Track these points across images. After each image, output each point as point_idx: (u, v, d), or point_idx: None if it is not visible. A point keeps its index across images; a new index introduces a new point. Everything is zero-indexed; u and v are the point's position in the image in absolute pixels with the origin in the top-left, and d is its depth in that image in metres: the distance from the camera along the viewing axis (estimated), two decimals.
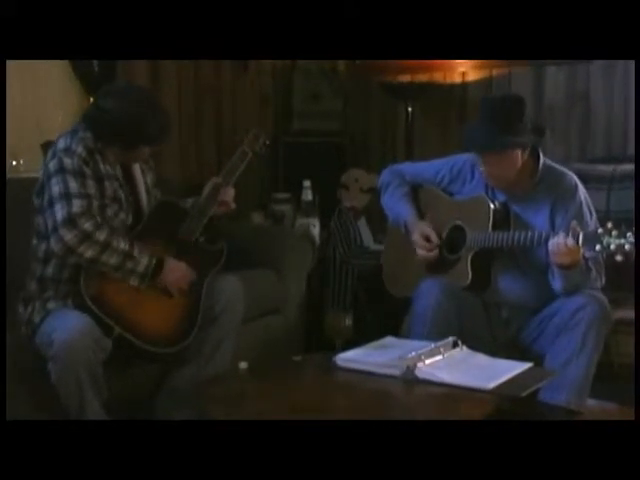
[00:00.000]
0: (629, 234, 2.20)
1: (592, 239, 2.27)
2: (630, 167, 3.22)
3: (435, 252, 2.75)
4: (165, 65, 3.74)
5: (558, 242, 2.38)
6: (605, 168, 3.34)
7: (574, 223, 2.37)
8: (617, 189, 3.24)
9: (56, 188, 2.35)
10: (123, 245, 2.38)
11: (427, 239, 2.76)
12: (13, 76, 2.86)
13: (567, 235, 2.35)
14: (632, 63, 3.49)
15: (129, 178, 2.58)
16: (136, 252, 2.40)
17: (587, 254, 2.43)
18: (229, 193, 2.66)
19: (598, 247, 2.25)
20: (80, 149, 2.41)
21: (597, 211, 2.72)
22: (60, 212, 2.32)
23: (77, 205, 2.33)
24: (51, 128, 3.36)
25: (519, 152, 2.58)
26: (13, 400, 2.07)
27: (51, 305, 2.42)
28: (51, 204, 2.35)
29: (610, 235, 2.23)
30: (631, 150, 3.50)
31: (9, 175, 3.03)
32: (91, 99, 3.49)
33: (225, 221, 2.81)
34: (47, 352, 2.29)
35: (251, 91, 4.26)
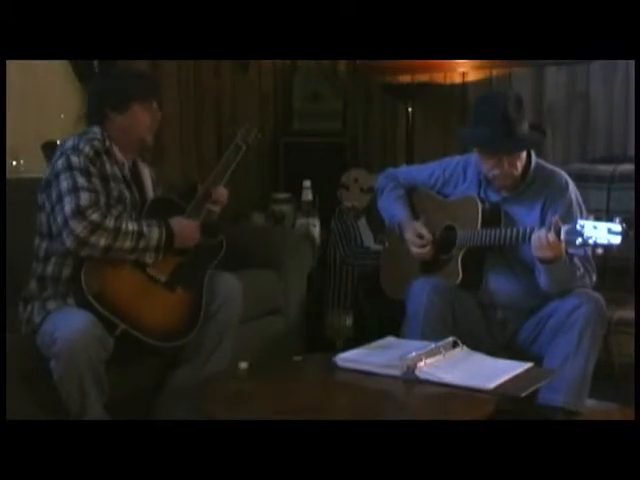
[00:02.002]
0: (610, 227, 2.20)
1: (573, 233, 2.27)
2: (630, 167, 3.22)
3: (428, 249, 2.76)
4: (165, 65, 3.74)
5: (539, 235, 2.39)
6: (605, 168, 3.34)
7: (556, 217, 2.38)
8: (617, 189, 3.25)
9: (64, 184, 2.38)
10: (132, 226, 2.40)
11: (420, 236, 2.77)
12: (13, 76, 2.86)
13: (549, 229, 2.36)
14: (632, 63, 3.50)
15: (138, 183, 2.62)
16: (145, 228, 2.44)
17: (571, 250, 2.43)
18: (221, 193, 2.67)
19: (579, 241, 2.25)
20: (87, 149, 2.44)
21: (597, 211, 2.72)
22: (68, 205, 2.35)
23: (85, 198, 2.36)
24: (51, 128, 3.37)
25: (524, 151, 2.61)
26: (13, 400, 2.07)
27: (51, 305, 2.43)
28: (60, 199, 2.38)
29: (591, 229, 2.23)
30: (631, 150, 3.50)
31: (9, 175, 3.03)
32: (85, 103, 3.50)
33: (225, 221, 2.81)
34: (49, 351, 2.28)
35: (251, 91, 4.27)
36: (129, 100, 2.52)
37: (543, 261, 2.45)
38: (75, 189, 2.37)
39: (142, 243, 2.42)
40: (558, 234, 2.33)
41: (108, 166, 2.49)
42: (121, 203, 2.50)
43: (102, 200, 2.42)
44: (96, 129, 2.52)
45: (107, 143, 2.50)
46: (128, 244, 2.39)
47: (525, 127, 2.59)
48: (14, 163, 3.24)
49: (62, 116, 3.44)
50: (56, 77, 3.41)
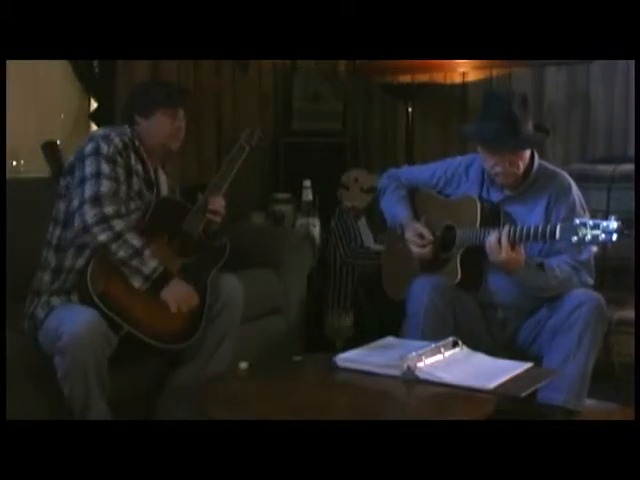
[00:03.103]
0: (606, 224, 2.20)
1: (569, 231, 2.28)
2: (630, 167, 3.22)
3: (429, 249, 2.76)
4: (165, 65, 3.74)
5: (489, 239, 2.43)
6: (605, 168, 3.34)
7: (508, 227, 2.42)
8: (617, 189, 3.25)
9: (89, 169, 2.42)
10: (136, 242, 2.40)
11: (420, 236, 2.77)
12: (13, 76, 2.86)
13: (505, 235, 2.39)
14: (632, 63, 3.50)
15: (157, 184, 2.65)
16: (146, 253, 2.42)
17: (547, 263, 2.50)
18: (218, 203, 2.67)
19: (575, 239, 2.25)
20: (117, 140, 2.49)
21: (597, 211, 2.73)
22: (88, 190, 2.38)
23: (106, 185, 2.40)
24: (51, 128, 3.37)
25: (528, 150, 2.62)
26: (14, 400, 2.07)
27: (55, 301, 2.43)
28: (81, 183, 2.41)
29: (586, 227, 2.23)
30: (631, 150, 3.50)
31: (9, 175, 3.03)
32: (91, 99, 3.51)
33: (225, 221, 2.81)
34: (54, 346, 2.28)
35: (251, 91, 4.27)
36: (154, 106, 2.58)
37: (502, 268, 2.49)
38: (98, 175, 2.40)
39: (135, 262, 2.39)
40: (513, 242, 2.38)
41: (133, 162, 2.54)
42: (139, 198, 2.54)
43: (123, 190, 2.45)
44: (127, 128, 2.59)
45: (137, 143, 2.57)
46: (122, 254, 2.38)
47: (529, 126, 2.59)
48: (14, 163, 3.24)
49: (62, 116, 3.45)
50: (56, 77, 3.41)
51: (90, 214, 2.35)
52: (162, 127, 2.59)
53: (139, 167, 2.56)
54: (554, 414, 2.46)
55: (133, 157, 2.54)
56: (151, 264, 2.42)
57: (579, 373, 2.47)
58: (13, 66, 2.71)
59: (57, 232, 2.49)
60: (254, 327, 3.01)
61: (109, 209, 2.37)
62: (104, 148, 2.45)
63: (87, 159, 2.44)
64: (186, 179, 3.66)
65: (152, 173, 2.62)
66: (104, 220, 2.36)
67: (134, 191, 2.52)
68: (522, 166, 2.61)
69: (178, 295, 2.46)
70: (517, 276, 2.52)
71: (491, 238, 2.44)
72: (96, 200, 2.36)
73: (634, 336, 2.57)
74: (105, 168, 2.42)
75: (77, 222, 2.37)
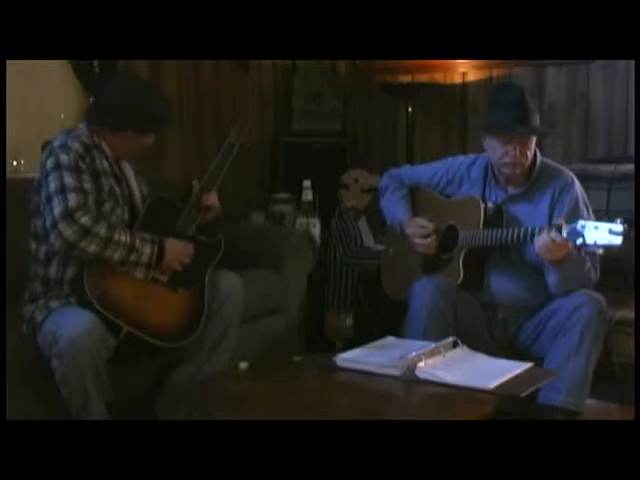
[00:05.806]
0: (611, 227, 2.20)
1: (574, 233, 2.28)
2: (630, 167, 3.22)
3: (432, 239, 2.75)
4: (165, 65, 3.74)
5: (544, 239, 2.40)
6: (605, 168, 3.35)
7: (560, 220, 2.39)
8: (617, 189, 3.25)
9: (53, 185, 2.36)
10: (124, 238, 2.39)
11: (422, 227, 2.77)
12: (13, 76, 2.86)
13: (552, 230, 2.36)
14: (632, 63, 3.50)
15: (123, 176, 2.59)
16: (138, 243, 2.42)
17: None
18: (212, 198, 2.68)
19: (580, 241, 2.25)
20: (76, 145, 2.42)
21: (597, 211, 2.72)
22: (57, 207, 2.33)
23: (73, 199, 2.34)
24: (52, 128, 3.36)
25: (534, 140, 2.64)
26: (14, 400, 2.07)
27: (53, 304, 2.42)
28: (49, 200, 2.36)
29: (592, 229, 2.23)
30: (631, 150, 3.50)
31: (9, 175, 3.03)
32: (91, 99, 3.50)
33: (225, 221, 2.81)
34: (51, 349, 2.28)
35: (251, 91, 4.27)
36: (149, 126, 2.55)
37: (552, 262, 2.46)
38: (63, 190, 2.34)
39: (133, 257, 2.41)
40: (561, 233, 2.34)
41: (98, 161, 2.47)
42: (112, 197, 2.49)
43: (91, 199, 2.40)
44: (82, 125, 2.52)
45: (95, 139, 2.50)
46: (118, 255, 2.37)
47: (538, 118, 2.63)
48: (14, 163, 3.24)
49: (62, 116, 3.44)
50: (56, 77, 3.41)
51: (69, 232, 2.29)
52: (144, 144, 2.56)
53: (105, 164, 2.50)
54: (554, 415, 2.46)
55: (97, 155, 2.47)
56: (147, 251, 2.43)
57: (580, 374, 2.47)
58: (13, 66, 2.71)
59: (42, 247, 2.45)
60: (254, 327, 3.01)
61: (85, 219, 2.32)
62: (64, 159, 2.38)
63: (50, 175, 2.38)
64: (186, 179, 3.66)
65: (116, 167, 2.55)
66: (86, 232, 2.31)
67: (105, 192, 2.47)
68: (530, 157, 2.62)
69: (176, 255, 2.50)
70: (562, 264, 2.46)
71: (544, 238, 2.39)
72: (69, 216, 2.30)
73: (634, 336, 2.57)
74: (69, 181, 2.35)
75: (57, 242, 2.32)
